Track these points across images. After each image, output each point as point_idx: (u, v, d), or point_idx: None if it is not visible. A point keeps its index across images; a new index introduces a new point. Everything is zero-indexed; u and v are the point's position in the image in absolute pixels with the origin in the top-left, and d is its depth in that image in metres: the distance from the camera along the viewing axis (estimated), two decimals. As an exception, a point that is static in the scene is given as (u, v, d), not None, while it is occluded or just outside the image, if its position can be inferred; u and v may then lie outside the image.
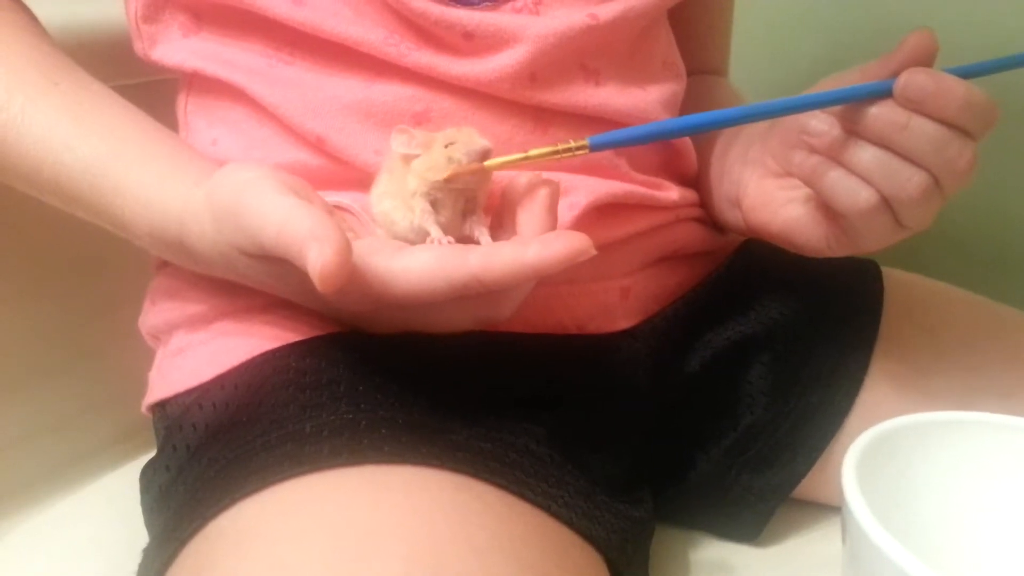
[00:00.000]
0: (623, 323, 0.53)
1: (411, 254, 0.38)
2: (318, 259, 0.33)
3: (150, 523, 0.47)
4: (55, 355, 0.63)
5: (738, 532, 0.57)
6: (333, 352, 0.45)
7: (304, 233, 0.34)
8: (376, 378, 0.44)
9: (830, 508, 0.58)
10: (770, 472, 0.56)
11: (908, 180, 0.43)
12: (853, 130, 0.44)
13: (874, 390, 0.57)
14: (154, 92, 0.55)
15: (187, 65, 0.51)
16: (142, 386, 0.52)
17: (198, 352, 0.49)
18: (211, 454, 0.43)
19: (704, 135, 0.59)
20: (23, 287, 0.61)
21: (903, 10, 0.97)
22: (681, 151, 0.57)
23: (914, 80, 0.42)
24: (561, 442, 0.46)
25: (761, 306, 0.58)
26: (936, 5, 0.94)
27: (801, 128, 0.45)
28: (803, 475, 0.56)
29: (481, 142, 0.41)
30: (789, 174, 0.50)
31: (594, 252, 0.36)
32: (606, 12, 0.49)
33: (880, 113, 0.42)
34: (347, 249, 0.34)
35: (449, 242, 0.41)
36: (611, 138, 0.43)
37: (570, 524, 0.42)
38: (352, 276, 0.37)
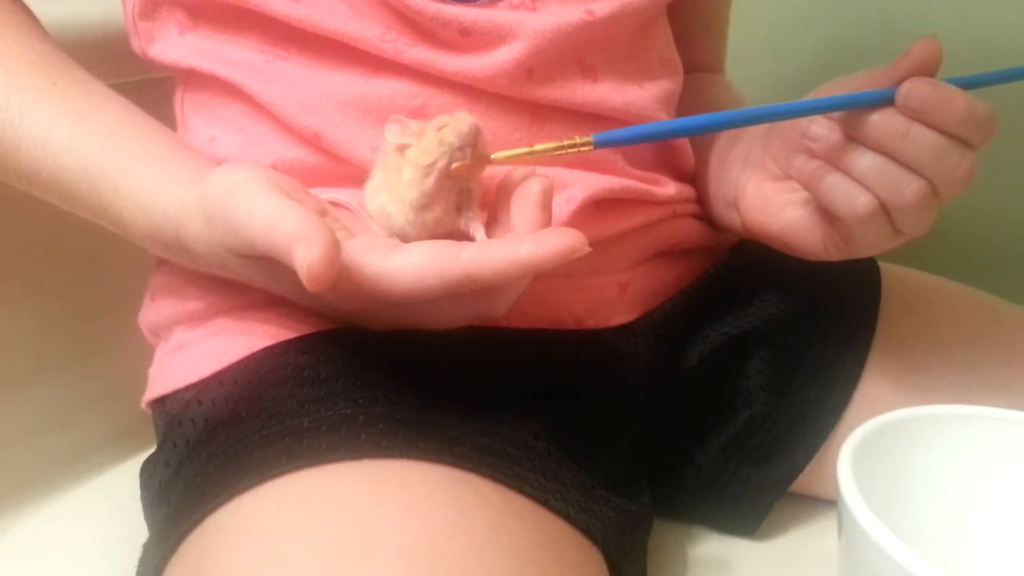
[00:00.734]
0: (621, 318, 0.54)
1: (404, 252, 0.38)
2: (305, 259, 0.33)
3: (150, 518, 0.47)
4: (55, 351, 0.63)
5: (736, 526, 0.57)
6: (331, 348, 0.45)
7: (291, 233, 0.34)
8: (374, 373, 0.44)
9: (828, 502, 0.58)
10: (768, 466, 0.56)
11: (906, 187, 0.43)
12: (854, 136, 0.44)
13: (872, 384, 0.57)
14: (151, 90, 0.55)
15: (183, 62, 0.51)
16: (142, 382, 0.52)
17: (198, 348, 0.49)
18: (210, 449, 0.43)
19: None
20: (24, 284, 0.61)
21: (900, 7, 0.96)
22: (677, 147, 0.57)
23: (916, 89, 0.42)
24: (559, 437, 0.46)
25: (759, 301, 0.58)
26: (934, 1, 0.94)
27: (802, 132, 0.46)
28: (801, 469, 0.56)
29: (469, 120, 0.41)
30: (788, 177, 0.50)
31: (588, 249, 0.36)
32: (603, 8, 0.49)
33: (881, 120, 0.43)
34: (335, 248, 0.34)
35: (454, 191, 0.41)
36: (615, 136, 0.43)
37: (568, 518, 0.42)
38: (344, 275, 0.37)
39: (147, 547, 0.43)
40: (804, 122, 0.46)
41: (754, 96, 0.71)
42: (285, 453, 0.39)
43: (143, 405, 0.52)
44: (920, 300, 0.61)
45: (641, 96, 0.52)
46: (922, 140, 0.42)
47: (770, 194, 0.52)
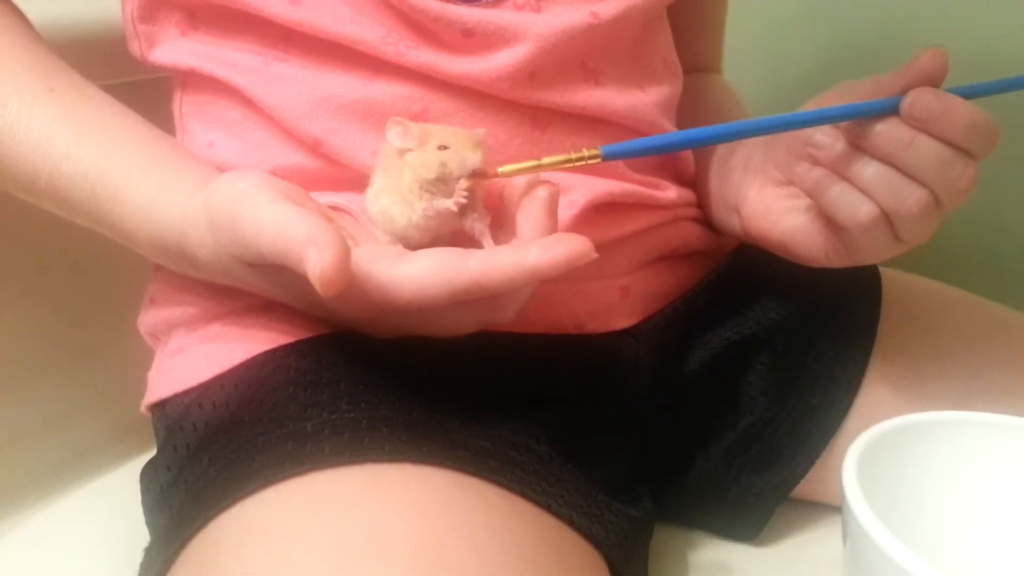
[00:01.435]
0: (623, 322, 0.54)
1: (411, 261, 0.38)
2: (317, 263, 0.33)
3: (151, 523, 0.47)
4: (55, 353, 0.63)
5: (738, 532, 0.57)
6: (333, 351, 0.45)
7: (302, 238, 0.34)
8: (376, 377, 0.44)
9: (829, 508, 0.58)
10: (770, 472, 0.56)
11: (909, 196, 0.43)
12: (858, 144, 0.44)
13: (873, 390, 0.57)
14: (149, 90, 0.55)
15: (182, 64, 0.51)
16: (141, 385, 0.52)
17: (198, 351, 0.48)
18: (212, 453, 0.43)
19: None
20: (23, 286, 0.61)
21: (897, 8, 0.97)
22: (677, 152, 0.57)
23: (921, 99, 0.42)
24: (561, 441, 0.46)
25: (760, 306, 0.58)
26: (931, 2, 0.94)
27: (806, 140, 0.46)
28: (803, 475, 0.56)
29: (472, 158, 0.41)
30: (791, 183, 0.51)
31: (595, 255, 0.36)
32: (607, 10, 0.49)
33: (885, 130, 0.43)
34: (346, 252, 0.34)
35: (459, 204, 0.41)
36: (623, 148, 0.43)
37: (570, 523, 0.42)
38: (353, 283, 0.37)
39: (149, 552, 0.43)
40: (808, 130, 0.46)
41: (752, 98, 0.71)
42: (288, 457, 0.39)
43: (143, 408, 0.52)
44: (921, 306, 0.61)
45: (643, 100, 0.52)
46: (926, 150, 0.43)
47: (772, 200, 0.52)
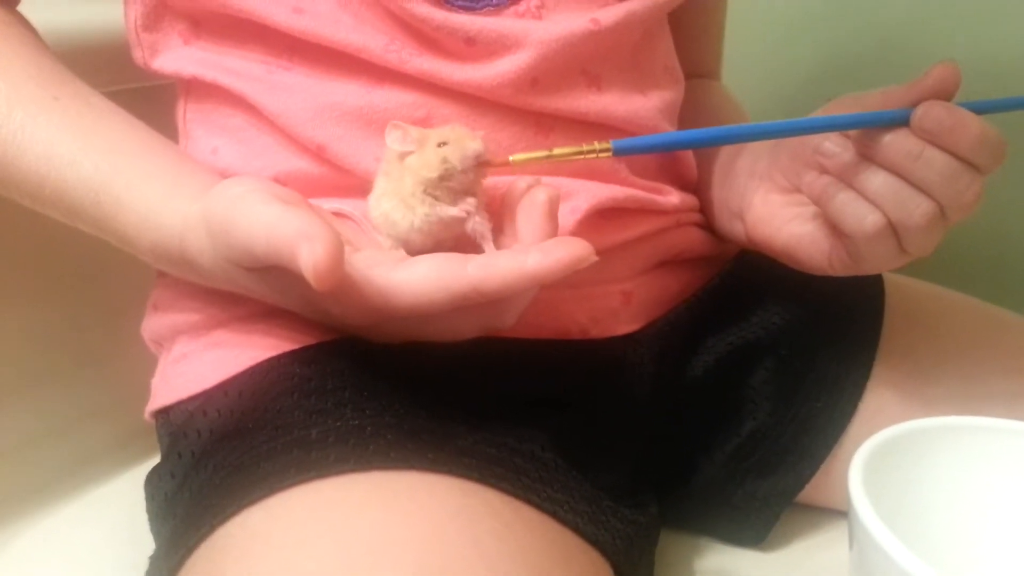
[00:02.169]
0: (626, 327, 0.53)
1: (411, 266, 0.38)
2: (310, 256, 0.33)
3: (156, 530, 0.47)
4: (58, 360, 0.63)
5: (743, 537, 0.57)
6: (337, 358, 0.45)
7: (293, 234, 0.34)
8: (381, 384, 0.44)
9: (834, 512, 0.58)
10: (774, 477, 0.56)
11: (916, 207, 0.44)
12: (866, 154, 0.45)
13: (876, 395, 0.57)
14: (154, 96, 0.55)
15: (185, 72, 0.51)
16: (145, 391, 0.52)
17: (201, 359, 0.48)
18: (216, 461, 0.43)
19: None
20: (27, 292, 0.61)
21: (897, 16, 0.97)
22: (680, 156, 0.57)
23: (931, 112, 0.42)
24: (566, 447, 0.46)
25: (764, 311, 0.58)
26: (931, 9, 0.95)
27: (814, 148, 0.46)
28: (807, 480, 0.56)
29: (473, 146, 0.41)
30: (796, 190, 0.51)
31: (595, 259, 0.36)
32: (608, 17, 0.49)
33: (895, 141, 0.43)
34: (339, 245, 0.34)
35: (467, 212, 0.41)
36: (635, 143, 0.43)
37: (576, 529, 0.42)
38: (352, 288, 0.37)
39: (154, 560, 0.43)
40: (817, 138, 0.46)
41: (752, 105, 0.71)
42: (294, 465, 0.39)
43: (146, 415, 0.51)
44: (924, 310, 0.61)
45: (645, 105, 0.52)
46: (934, 162, 0.43)
47: (777, 207, 0.52)
